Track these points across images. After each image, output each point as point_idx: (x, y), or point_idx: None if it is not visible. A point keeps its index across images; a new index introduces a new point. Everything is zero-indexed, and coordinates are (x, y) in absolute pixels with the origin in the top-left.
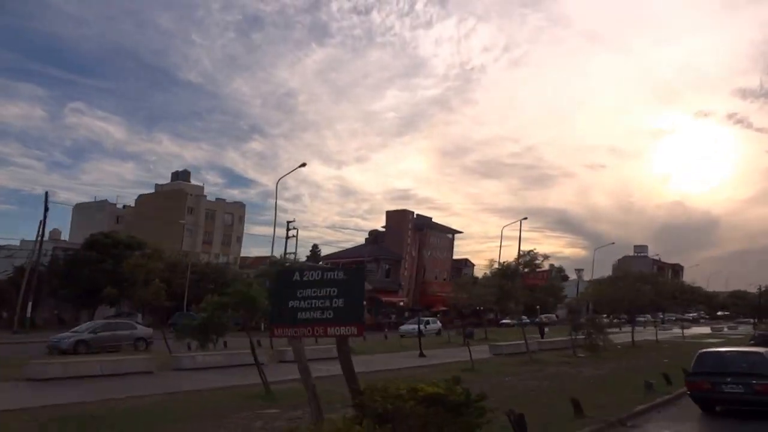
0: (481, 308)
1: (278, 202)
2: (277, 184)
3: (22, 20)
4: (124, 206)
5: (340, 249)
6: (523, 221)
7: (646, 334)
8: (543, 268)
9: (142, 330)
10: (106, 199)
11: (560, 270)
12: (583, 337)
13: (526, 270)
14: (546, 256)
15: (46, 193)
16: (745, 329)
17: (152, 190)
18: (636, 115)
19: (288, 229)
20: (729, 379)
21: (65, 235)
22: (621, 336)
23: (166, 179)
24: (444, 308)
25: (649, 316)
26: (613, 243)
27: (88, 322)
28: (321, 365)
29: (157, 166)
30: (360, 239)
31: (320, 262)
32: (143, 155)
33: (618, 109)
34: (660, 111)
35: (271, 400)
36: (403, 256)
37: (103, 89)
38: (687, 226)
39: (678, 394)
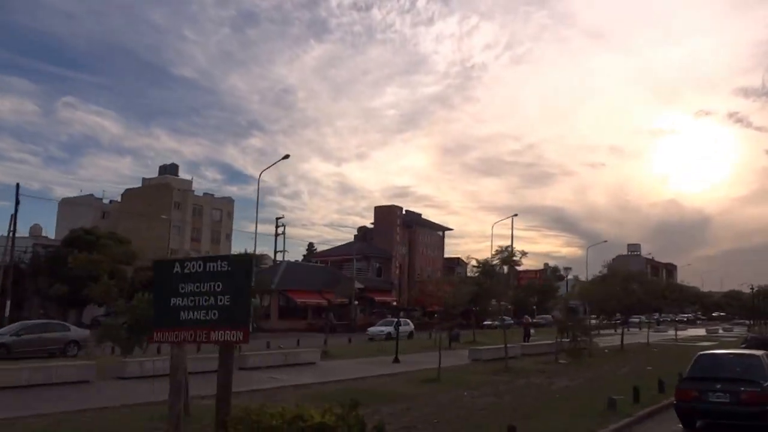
0: (474, 308)
1: (277, 199)
2: (259, 176)
3: (10, 15)
4: (111, 201)
5: (332, 247)
6: (516, 219)
7: (640, 336)
8: (520, 266)
9: (76, 332)
10: (92, 194)
11: (555, 269)
12: (568, 340)
13: (504, 267)
14: (524, 253)
15: (18, 185)
16: (740, 331)
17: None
18: (637, 114)
19: (277, 226)
20: (718, 386)
21: (51, 232)
22: (614, 339)
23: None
24: (439, 308)
25: (643, 317)
26: (605, 241)
27: (17, 323)
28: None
29: (156, 161)
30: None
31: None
32: (141, 151)
33: (619, 107)
34: (661, 110)
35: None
36: (392, 254)
37: (96, 84)
38: (681, 224)
39: (639, 417)
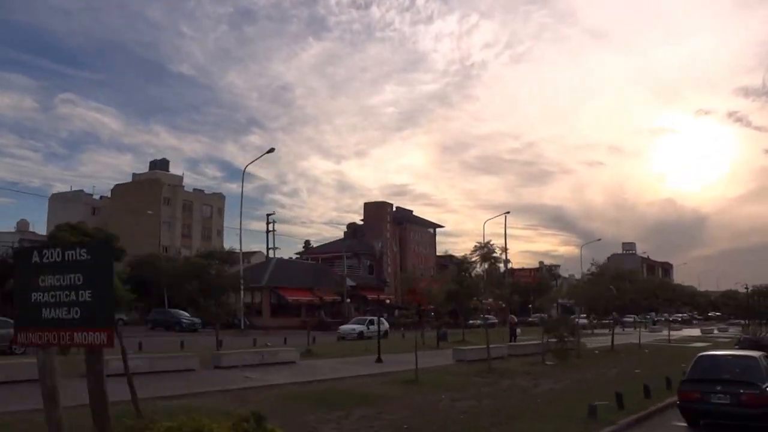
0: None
1: (276, 197)
2: (244, 170)
3: (9, 13)
4: (101, 197)
5: (322, 244)
6: (514, 218)
7: (633, 336)
8: (500, 262)
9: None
10: (82, 189)
11: (551, 268)
12: (555, 341)
13: (485, 264)
14: (505, 249)
15: None
16: (735, 331)
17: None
18: (637, 114)
19: (268, 223)
20: (718, 388)
21: (41, 227)
22: (607, 339)
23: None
24: (431, 307)
25: (636, 316)
26: (599, 239)
27: None
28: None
29: (156, 158)
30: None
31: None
32: (141, 147)
33: (619, 107)
34: (661, 110)
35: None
36: (383, 251)
37: (94, 81)
38: (678, 223)
39: (623, 425)
